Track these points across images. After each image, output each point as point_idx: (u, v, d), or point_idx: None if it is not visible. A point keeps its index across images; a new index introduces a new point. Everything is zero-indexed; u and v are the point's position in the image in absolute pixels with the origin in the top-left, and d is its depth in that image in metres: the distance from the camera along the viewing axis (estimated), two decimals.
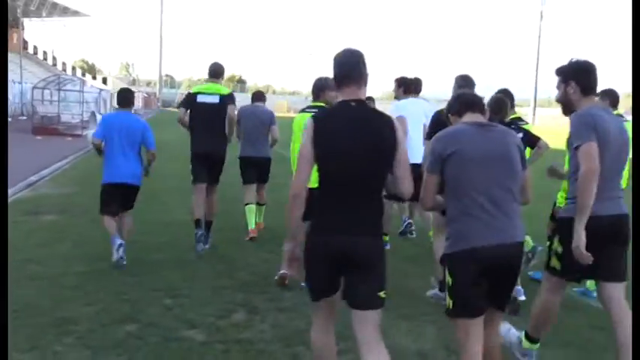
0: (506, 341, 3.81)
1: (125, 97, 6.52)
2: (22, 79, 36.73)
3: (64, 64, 78.97)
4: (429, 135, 4.71)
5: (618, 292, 3.53)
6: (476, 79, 5.20)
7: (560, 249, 3.54)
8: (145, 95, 57.27)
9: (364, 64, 2.90)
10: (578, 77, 3.53)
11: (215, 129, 6.45)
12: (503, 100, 4.83)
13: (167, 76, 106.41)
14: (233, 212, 8.01)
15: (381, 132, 2.84)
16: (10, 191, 9.91)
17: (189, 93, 6.94)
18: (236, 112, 6.81)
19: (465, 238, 2.99)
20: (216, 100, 6.49)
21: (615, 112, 5.00)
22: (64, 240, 6.92)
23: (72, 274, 5.62)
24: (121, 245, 5.80)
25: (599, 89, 4.00)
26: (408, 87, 6.67)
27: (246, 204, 7.24)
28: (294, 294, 5.17)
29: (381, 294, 2.87)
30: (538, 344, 3.79)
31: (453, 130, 3.16)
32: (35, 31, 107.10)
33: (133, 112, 6.65)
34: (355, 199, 2.84)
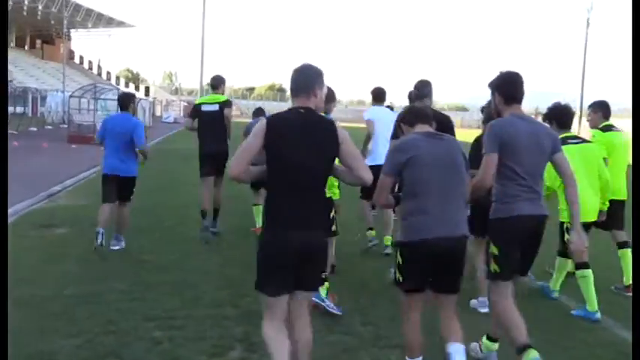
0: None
1: (123, 101, 7.32)
2: (64, 88, 37.34)
3: (108, 73, 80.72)
4: (393, 136, 5.34)
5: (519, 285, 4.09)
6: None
7: (495, 251, 3.79)
8: (186, 104, 57.86)
9: (316, 78, 3.28)
10: (500, 88, 3.84)
11: (217, 133, 7.55)
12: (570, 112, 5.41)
13: (208, 84, 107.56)
14: (242, 226, 7.93)
15: (324, 134, 3.20)
16: (27, 202, 9.66)
17: (195, 104, 8.22)
18: (232, 114, 7.90)
19: (417, 230, 3.45)
20: (216, 108, 7.63)
21: (605, 124, 5.70)
22: (66, 257, 6.52)
23: (62, 297, 5.17)
24: (100, 234, 6.55)
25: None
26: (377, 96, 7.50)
27: (254, 204, 7.87)
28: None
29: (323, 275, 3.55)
30: (497, 344, 4.03)
31: (409, 140, 3.62)
32: (81, 42, 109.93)
33: (132, 113, 7.20)
34: (304, 195, 3.15)
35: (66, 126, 28.48)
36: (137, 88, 75.69)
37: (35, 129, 30.87)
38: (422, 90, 5.83)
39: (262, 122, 3.22)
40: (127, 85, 77.00)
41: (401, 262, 3.53)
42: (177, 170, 14.71)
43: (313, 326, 3.41)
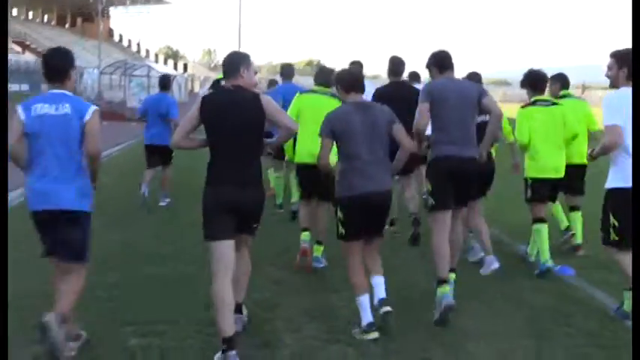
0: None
1: (162, 83, 8.96)
2: (100, 65, 37.31)
3: (147, 50, 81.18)
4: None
5: (463, 211, 4.79)
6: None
7: (430, 187, 4.60)
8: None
9: (240, 62, 3.83)
10: (435, 62, 4.72)
11: None
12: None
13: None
14: None
15: (249, 105, 3.74)
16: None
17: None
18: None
19: (351, 187, 4.13)
20: None
21: (564, 92, 6.27)
22: None
23: (36, 296, 4.59)
24: (145, 192, 8.17)
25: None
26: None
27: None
28: (295, 339, 3.97)
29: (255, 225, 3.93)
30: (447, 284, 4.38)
31: (341, 112, 4.29)
32: (121, 20, 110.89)
33: (171, 94, 8.95)
34: (235, 158, 3.72)
35: (115, 100, 27.94)
36: (175, 65, 75.85)
37: None
38: (397, 67, 6.55)
39: (198, 100, 3.83)
40: (165, 62, 77.33)
41: (342, 218, 4.17)
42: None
43: (315, 332, 4.11)
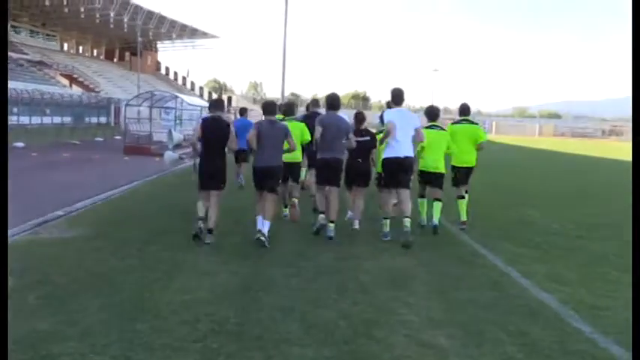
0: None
1: (240, 111, 12.95)
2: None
3: (192, 83, 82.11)
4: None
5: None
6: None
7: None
8: None
9: (221, 104, 8.06)
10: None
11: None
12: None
13: (292, 94, 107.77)
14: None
15: (222, 126, 7.40)
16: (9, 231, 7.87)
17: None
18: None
19: (257, 161, 7.45)
20: None
21: (460, 119, 9.21)
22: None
23: None
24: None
25: None
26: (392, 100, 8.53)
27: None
28: None
29: (222, 185, 7.46)
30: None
31: (259, 124, 7.49)
32: (168, 54, 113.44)
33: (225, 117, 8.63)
34: (214, 155, 7.40)
35: (141, 134, 26.33)
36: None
37: (119, 137, 30.03)
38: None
39: (199, 121, 7.78)
40: (209, 95, 77.91)
41: (253, 180, 7.65)
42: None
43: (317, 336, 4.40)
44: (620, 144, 50.99)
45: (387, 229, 7.69)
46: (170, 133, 16.60)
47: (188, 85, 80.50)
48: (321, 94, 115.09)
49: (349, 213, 8.56)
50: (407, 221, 7.45)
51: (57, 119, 44.89)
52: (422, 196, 8.83)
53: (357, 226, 8.14)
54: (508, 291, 5.66)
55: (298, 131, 8.40)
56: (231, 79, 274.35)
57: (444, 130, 8.60)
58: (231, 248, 7.10)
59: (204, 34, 76.20)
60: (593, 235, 8.84)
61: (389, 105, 8.45)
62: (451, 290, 5.60)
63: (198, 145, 7.44)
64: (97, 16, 60.46)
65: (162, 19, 67.77)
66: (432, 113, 8.80)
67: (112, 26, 65.38)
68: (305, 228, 8.28)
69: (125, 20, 62.90)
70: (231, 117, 24.74)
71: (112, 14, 60.54)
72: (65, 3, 56.81)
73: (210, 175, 7.32)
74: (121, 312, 4.72)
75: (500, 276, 6.23)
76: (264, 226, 7.15)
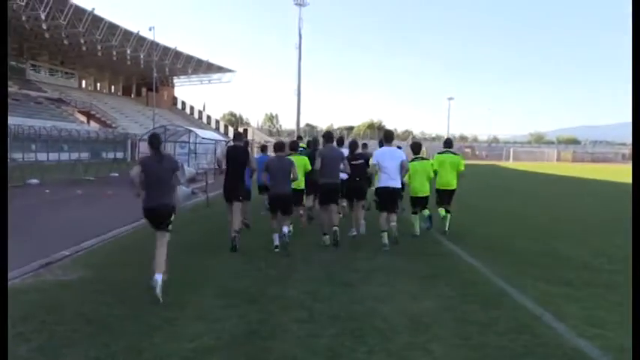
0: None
1: (262, 147, 13.54)
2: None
3: (208, 117, 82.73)
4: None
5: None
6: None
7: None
8: None
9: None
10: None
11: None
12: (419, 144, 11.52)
13: (307, 125, 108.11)
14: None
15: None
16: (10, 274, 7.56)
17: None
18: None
19: (271, 189, 9.05)
20: None
21: (443, 150, 11.35)
22: None
23: None
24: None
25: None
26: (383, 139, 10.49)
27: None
28: None
29: (240, 197, 9.19)
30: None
31: (271, 159, 9.44)
32: (185, 89, 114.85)
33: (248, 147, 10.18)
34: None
35: None
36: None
37: None
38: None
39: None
40: (225, 128, 78.36)
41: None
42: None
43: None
44: None
45: (385, 240, 9.20)
46: (182, 167, 16.35)
47: (204, 119, 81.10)
48: (337, 125, 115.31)
49: (353, 231, 10.35)
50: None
51: (74, 155, 45.28)
52: (414, 212, 10.91)
53: (354, 232, 10.29)
54: (541, 337, 5.10)
55: (302, 162, 10.30)
56: (247, 111, 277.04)
57: (425, 159, 11.04)
58: (240, 290, 6.69)
59: (220, 69, 77.06)
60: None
61: (381, 143, 10.24)
62: (476, 335, 5.09)
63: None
64: (114, 53, 61.42)
65: (178, 54, 68.65)
66: (415, 147, 11.21)
67: (128, 63, 66.34)
68: (315, 265, 7.92)
69: (142, 57, 63.81)
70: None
71: (128, 51, 61.45)
72: (83, 42, 57.84)
73: (231, 189, 9.21)
74: None
75: (531, 319, 5.64)
76: (282, 230, 8.88)
